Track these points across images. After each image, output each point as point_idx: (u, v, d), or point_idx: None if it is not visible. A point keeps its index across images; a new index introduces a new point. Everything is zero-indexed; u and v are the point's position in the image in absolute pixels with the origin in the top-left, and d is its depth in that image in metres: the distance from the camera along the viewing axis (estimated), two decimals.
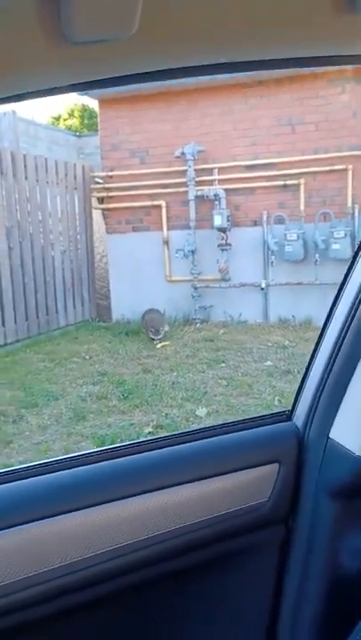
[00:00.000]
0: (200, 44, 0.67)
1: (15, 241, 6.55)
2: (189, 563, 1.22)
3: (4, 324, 6.37)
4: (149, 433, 3.95)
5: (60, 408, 4.54)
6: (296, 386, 1.29)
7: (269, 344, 6.18)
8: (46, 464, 1.12)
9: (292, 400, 1.33)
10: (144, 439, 1.21)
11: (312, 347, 1.29)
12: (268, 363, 5.47)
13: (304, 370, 1.30)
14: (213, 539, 1.21)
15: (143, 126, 7.34)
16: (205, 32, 0.65)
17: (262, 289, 7.11)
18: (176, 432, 1.26)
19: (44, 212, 7.07)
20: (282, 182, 6.91)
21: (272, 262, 6.98)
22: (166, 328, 6.55)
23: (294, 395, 1.32)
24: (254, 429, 1.27)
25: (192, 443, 1.21)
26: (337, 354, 1.20)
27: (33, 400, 4.70)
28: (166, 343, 6.38)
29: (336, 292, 1.25)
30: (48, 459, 1.17)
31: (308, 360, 1.29)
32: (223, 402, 4.49)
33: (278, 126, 6.91)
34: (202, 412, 4.30)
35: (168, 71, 0.73)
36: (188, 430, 1.25)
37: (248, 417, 1.31)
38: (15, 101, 0.75)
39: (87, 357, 6.01)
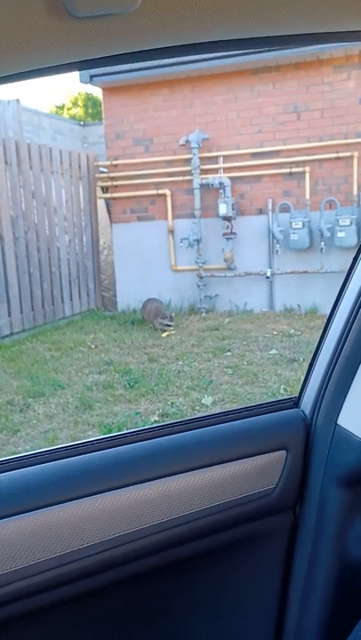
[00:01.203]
0: (205, 20, 0.66)
1: (20, 231, 6.55)
2: (197, 550, 1.22)
3: (10, 314, 6.39)
4: (155, 421, 3.96)
5: (66, 397, 4.56)
6: (301, 374, 1.29)
7: (275, 333, 6.17)
8: (50, 452, 1.12)
9: (300, 387, 1.33)
10: (150, 426, 1.21)
11: (318, 335, 1.28)
12: (274, 351, 5.47)
13: (311, 357, 1.30)
14: (221, 526, 1.21)
15: (148, 114, 7.30)
16: (210, 8, 0.63)
17: (268, 278, 7.09)
18: (183, 419, 1.26)
19: (49, 202, 7.06)
20: (287, 170, 6.87)
21: (277, 251, 6.95)
22: (168, 321, 6.55)
23: (301, 382, 1.32)
24: (261, 416, 1.26)
25: (199, 430, 1.21)
26: (345, 341, 1.19)
27: (39, 389, 4.72)
28: (172, 332, 6.39)
29: (343, 279, 1.24)
30: (53, 446, 1.17)
31: (314, 348, 1.29)
32: (229, 390, 4.49)
33: (284, 113, 6.85)
34: (208, 400, 4.32)
35: (172, 48, 0.72)
36: (194, 417, 1.25)
37: (255, 404, 1.31)
38: (17, 80, 0.73)
39: (93, 347, 6.03)
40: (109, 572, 1.12)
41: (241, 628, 1.33)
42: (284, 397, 1.33)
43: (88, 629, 1.21)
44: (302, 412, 1.28)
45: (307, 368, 1.31)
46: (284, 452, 1.22)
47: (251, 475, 1.19)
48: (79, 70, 0.78)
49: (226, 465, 1.17)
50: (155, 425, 1.24)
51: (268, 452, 1.21)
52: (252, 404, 1.30)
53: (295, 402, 1.32)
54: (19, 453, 1.16)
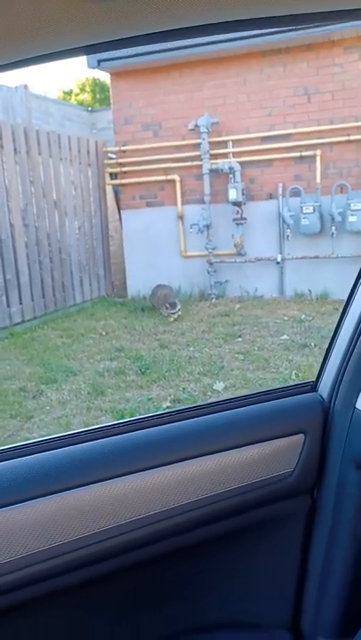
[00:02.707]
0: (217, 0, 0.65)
1: (30, 218, 6.55)
2: (214, 533, 1.23)
3: (21, 302, 6.41)
4: (167, 407, 3.98)
5: (78, 383, 4.59)
6: (313, 359, 1.29)
7: (286, 318, 6.15)
8: (66, 436, 1.13)
9: (311, 372, 1.32)
10: (167, 410, 1.21)
11: (329, 320, 1.27)
12: (285, 337, 5.46)
13: (329, 340, 1.29)
14: (239, 509, 1.22)
15: (156, 98, 7.23)
16: None
17: (278, 263, 7.05)
18: (201, 403, 1.26)
19: (59, 189, 7.04)
20: (298, 154, 6.80)
21: (288, 236, 6.90)
22: (171, 310, 6.53)
23: (313, 367, 1.32)
24: (279, 400, 1.26)
25: (217, 414, 1.22)
26: None
27: (52, 376, 4.75)
28: (172, 317, 6.36)
29: None
30: (68, 432, 1.17)
31: (325, 333, 1.28)
32: (240, 376, 4.49)
33: (294, 96, 6.76)
34: (219, 386, 4.32)
35: (185, 30, 0.72)
36: (212, 401, 1.26)
37: (272, 388, 1.31)
38: (35, 64, 0.73)
39: (104, 333, 6.05)
40: (125, 556, 1.13)
41: (257, 612, 1.34)
42: (302, 381, 1.32)
43: (102, 614, 1.22)
44: (320, 395, 1.28)
45: (318, 353, 1.30)
46: (302, 435, 1.22)
47: (269, 458, 1.19)
48: (96, 52, 0.78)
49: (244, 449, 1.18)
50: (172, 409, 1.24)
51: (286, 435, 1.21)
52: (270, 388, 1.30)
53: (313, 386, 1.32)
54: (32, 439, 1.17)
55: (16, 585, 1.02)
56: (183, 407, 1.24)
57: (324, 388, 1.28)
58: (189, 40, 6.41)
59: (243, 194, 6.89)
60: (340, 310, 1.29)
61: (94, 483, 1.05)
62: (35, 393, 4.42)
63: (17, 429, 3.78)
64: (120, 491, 1.07)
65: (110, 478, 1.07)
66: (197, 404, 1.27)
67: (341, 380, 1.23)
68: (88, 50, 0.73)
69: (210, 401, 1.24)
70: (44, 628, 1.16)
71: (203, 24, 0.71)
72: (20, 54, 0.70)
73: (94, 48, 0.73)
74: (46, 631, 1.17)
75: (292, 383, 1.34)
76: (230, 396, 1.28)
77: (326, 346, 1.31)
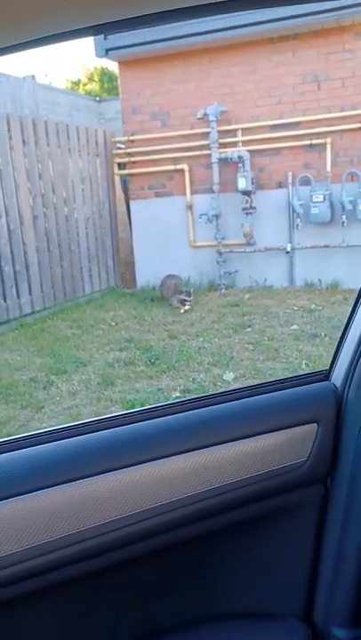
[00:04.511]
0: None
1: (39, 210, 6.55)
2: (227, 522, 1.23)
3: (31, 293, 6.43)
4: (177, 397, 3.98)
5: (88, 374, 4.60)
6: (323, 349, 1.27)
7: (295, 308, 6.12)
8: (79, 425, 1.13)
9: (328, 360, 1.31)
10: (181, 400, 1.21)
11: (339, 310, 1.26)
12: (295, 327, 5.43)
13: (341, 330, 1.28)
14: (251, 498, 1.21)
15: (164, 87, 7.18)
16: None
17: (288, 253, 7.01)
18: (215, 392, 1.25)
19: (67, 180, 7.03)
20: (308, 142, 6.73)
21: (298, 225, 6.85)
22: (185, 297, 6.52)
23: (323, 357, 1.31)
24: (292, 389, 1.26)
25: (229, 403, 1.21)
26: None
27: (62, 366, 4.76)
28: (187, 308, 6.35)
29: None
30: (80, 421, 1.17)
31: (336, 323, 1.27)
32: (250, 366, 4.48)
33: (303, 83, 6.69)
34: (229, 376, 4.31)
35: (190, 9, 0.71)
36: (225, 390, 1.25)
37: (285, 377, 1.30)
38: (35, 47, 0.73)
39: (113, 324, 6.05)
40: (138, 545, 1.13)
41: (270, 601, 1.34)
42: (315, 370, 1.31)
43: (114, 602, 1.22)
44: (333, 384, 1.27)
45: (329, 343, 1.29)
46: (315, 424, 1.21)
47: (282, 447, 1.19)
48: (98, 34, 0.77)
49: (256, 438, 1.17)
50: (184, 398, 1.24)
51: (299, 424, 1.20)
52: (283, 377, 1.29)
53: (326, 375, 1.30)
54: (44, 429, 1.16)
55: (29, 574, 1.02)
56: (196, 396, 1.24)
57: (338, 376, 1.26)
58: (197, 28, 6.36)
59: (252, 183, 6.84)
60: (352, 300, 1.28)
61: (107, 472, 1.05)
62: (45, 383, 4.44)
63: (28, 420, 3.80)
64: (133, 480, 1.07)
65: (123, 467, 1.07)
66: (210, 393, 1.26)
67: (355, 369, 1.21)
68: (90, 31, 0.72)
69: (223, 390, 1.23)
70: (55, 616, 1.17)
71: (208, 3, 0.70)
72: (23, 36, 0.69)
73: (96, 29, 0.72)
74: (59, 619, 1.18)
75: (305, 372, 1.33)
76: (243, 385, 1.27)
77: (336, 335, 1.29)
